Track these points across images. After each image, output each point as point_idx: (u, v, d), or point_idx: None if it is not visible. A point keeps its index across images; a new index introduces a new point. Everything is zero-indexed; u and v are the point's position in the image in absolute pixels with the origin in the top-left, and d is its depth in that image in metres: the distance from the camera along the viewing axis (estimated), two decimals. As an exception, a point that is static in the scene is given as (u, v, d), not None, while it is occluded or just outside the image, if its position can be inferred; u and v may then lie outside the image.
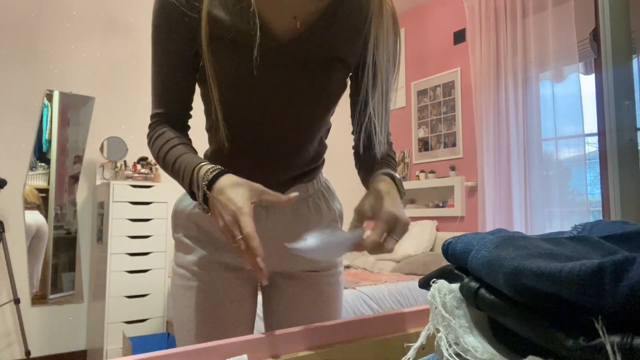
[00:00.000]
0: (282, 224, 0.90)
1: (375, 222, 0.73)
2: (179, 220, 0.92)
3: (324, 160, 0.97)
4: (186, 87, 0.83)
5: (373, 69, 0.81)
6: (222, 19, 0.76)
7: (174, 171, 0.77)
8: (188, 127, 0.87)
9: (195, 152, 0.80)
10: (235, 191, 0.66)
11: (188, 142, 0.82)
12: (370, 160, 0.89)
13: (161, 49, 0.80)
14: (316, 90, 0.81)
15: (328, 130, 0.95)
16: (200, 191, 0.69)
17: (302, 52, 0.79)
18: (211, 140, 0.92)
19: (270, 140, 0.85)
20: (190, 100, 0.85)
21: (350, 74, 0.88)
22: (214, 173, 0.69)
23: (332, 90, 0.83)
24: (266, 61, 0.77)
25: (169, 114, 0.84)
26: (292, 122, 0.84)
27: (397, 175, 0.81)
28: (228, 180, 0.68)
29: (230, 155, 0.86)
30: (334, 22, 0.79)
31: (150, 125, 0.85)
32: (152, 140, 0.83)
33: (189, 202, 0.90)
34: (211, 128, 0.89)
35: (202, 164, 0.72)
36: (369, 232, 0.71)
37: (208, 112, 0.87)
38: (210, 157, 0.91)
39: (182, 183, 0.75)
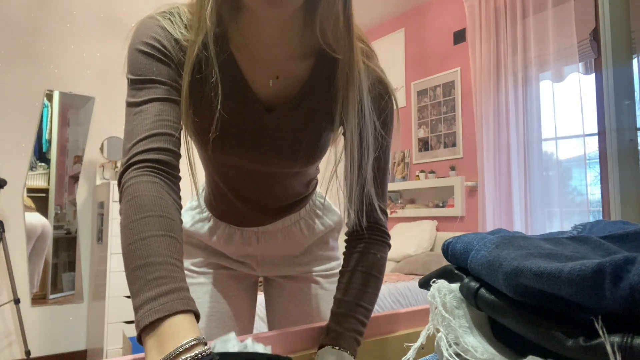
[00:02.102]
0: (273, 247, 0.92)
1: None
2: None
3: (315, 185, 0.95)
4: (177, 117, 0.65)
5: (338, 129, 0.75)
6: (206, 86, 0.69)
7: (138, 276, 0.50)
8: (179, 177, 0.63)
9: (180, 254, 0.55)
10: None
11: (176, 230, 0.56)
12: (353, 254, 0.76)
13: (144, 80, 0.64)
14: (300, 151, 0.77)
15: (317, 168, 0.93)
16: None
17: (288, 114, 0.74)
18: (207, 182, 0.91)
19: (263, 188, 0.83)
20: (180, 135, 0.66)
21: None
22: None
23: (319, 148, 0.78)
24: (256, 121, 0.74)
25: (158, 151, 0.60)
26: (284, 174, 0.82)
27: (352, 344, 0.67)
28: None
29: (224, 198, 0.86)
30: (319, 85, 0.74)
31: (124, 171, 0.60)
32: (124, 201, 0.58)
33: (187, 220, 0.92)
34: (206, 175, 0.89)
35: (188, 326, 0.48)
36: None
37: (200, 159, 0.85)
38: (207, 194, 0.92)
39: (137, 298, 0.49)
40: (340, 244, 0.92)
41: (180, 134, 0.64)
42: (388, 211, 0.84)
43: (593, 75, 3.05)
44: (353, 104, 0.70)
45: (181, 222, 0.59)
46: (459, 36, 3.90)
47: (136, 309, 0.48)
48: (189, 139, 0.75)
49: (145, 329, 0.46)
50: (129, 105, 0.64)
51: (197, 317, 0.49)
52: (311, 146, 0.76)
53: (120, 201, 0.59)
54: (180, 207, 0.62)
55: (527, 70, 3.30)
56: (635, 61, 2.38)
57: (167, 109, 0.63)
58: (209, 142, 0.71)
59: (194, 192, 0.89)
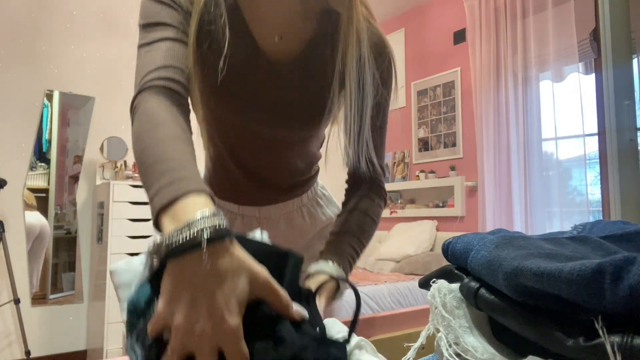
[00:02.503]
0: (275, 235, 0.91)
1: None
2: None
3: (317, 171, 0.97)
4: (184, 55, 0.67)
5: (340, 80, 0.77)
6: (213, 35, 0.73)
7: (154, 170, 0.51)
8: (188, 108, 0.67)
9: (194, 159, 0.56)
10: (235, 282, 0.40)
11: (189, 136, 0.58)
12: (351, 200, 0.81)
13: (153, 22, 0.68)
14: (308, 107, 0.79)
15: (321, 143, 0.94)
16: (182, 235, 0.40)
17: (295, 71, 0.77)
18: (207, 155, 0.91)
19: (265, 156, 0.84)
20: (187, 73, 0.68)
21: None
22: (217, 228, 0.41)
23: (322, 107, 0.79)
24: (257, 80, 0.76)
25: (166, 80, 0.62)
26: (288, 139, 0.83)
27: (342, 271, 0.70)
28: (232, 253, 0.41)
29: (225, 169, 0.86)
30: (324, 43, 0.77)
31: (136, 97, 0.62)
32: (136, 119, 0.59)
33: None
34: (206, 145, 0.88)
35: (201, 195, 0.47)
36: None
37: (203, 128, 0.86)
38: (206, 173, 0.92)
39: (152, 189, 0.50)
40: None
41: (188, 73, 0.66)
42: (387, 172, 0.85)
43: (593, 75, 3.05)
44: (351, 56, 0.73)
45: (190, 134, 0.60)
46: (459, 36, 3.90)
47: (151, 199, 0.48)
48: (195, 100, 0.76)
49: (161, 212, 0.46)
50: (140, 46, 0.67)
51: (213, 199, 0.48)
52: (314, 105, 0.78)
53: (132, 122, 0.60)
54: (191, 131, 0.61)
55: (527, 70, 3.30)
56: (635, 61, 2.38)
57: (176, 47, 0.66)
58: (215, 93, 0.74)
59: None
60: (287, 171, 0.88)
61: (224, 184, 0.88)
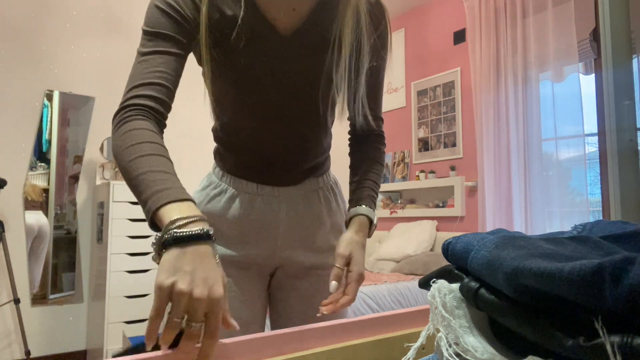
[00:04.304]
0: (294, 213, 0.92)
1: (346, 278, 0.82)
2: None
3: (329, 157, 1.01)
4: (176, 70, 0.73)
5: (338, 46, 0.83)
6: (223, 14, 0.77)
7: (139, 180, 0.60)
8: (165, 125, 0.73)
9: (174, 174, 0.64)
10: (221, 269, 0.54)
11: (166, 151, 0.66)
12: (357, 151, 0.98)
13: (154, 32, 0.73)
14: (322, 74, 0.84)
15: (332, 121, 0.98)
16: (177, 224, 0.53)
17: (304, 41, 0.82)
18: (221, 139, 0.93)
19: (285, 128, 0.87)
20: (176, 87, 0.74)
21: None
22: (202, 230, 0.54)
23: (334, 70, 0.85)
24: (272, 53, 0.80)
25: (151, 98, 0.69)
26: (303, 109, 0.86)
27: (370, 209, 0.89)
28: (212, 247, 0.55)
29: (247, 149, 0.89)
30: (326, 9, 0.82)
31: (121, 110, 0.69)
32: (120, 132, 0.66)
33: (201, 200, 0.91)
34: (223, 126, 0.90)
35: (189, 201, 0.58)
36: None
37: (221, 112, 0.88)
38: (224, 153, 0.93)
39: (142, 195, 0.59)
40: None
41: (175, 87, 0.73)
42: (383, 126, 1.00)
43: (593, 75, 3.05)
44: (348, 22, 0.80)
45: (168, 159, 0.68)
46: (459, 36, 3.90)
47: (143, 208, 0.58)
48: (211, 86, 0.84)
49: (151, 221, 0.57)
50: (138, 53, 0.73)
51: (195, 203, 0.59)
52: (317, 68, 0.83)
53: (112, 135, 0.68)
54: (166, 149, 0.68)
55: (527, 70, 3.30)
56: (635, 61, 2.38)
57: (167, 62, 0.71)
58: (232, 70, 0.79)
59: (204, 175, 0.95)
60: (305, 150, 0.91)
61: (245, 162, 0.91)
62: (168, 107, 0.72)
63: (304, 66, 0.83)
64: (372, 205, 0.89)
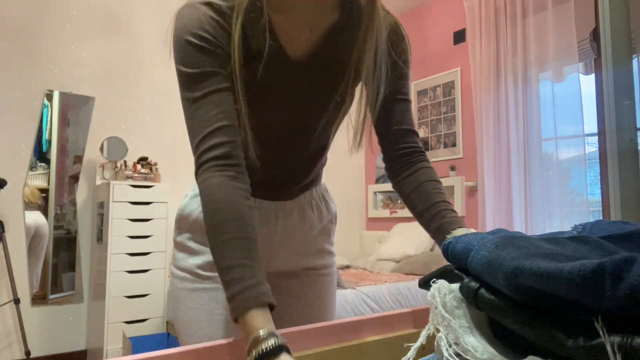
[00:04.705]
0: (290, 226, 0.93)
1: None
2: (184, 224, 0.92)
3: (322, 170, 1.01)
4: (231, 103, 0.70)
5: (356, 71, 0.80)
6: (247, 42, 0.75)
7: (225, 273, 0.62)
8: (244, 168, 0.70)
9: (256, 249, 0.64)
10: None
11: (247, 226, 0.65)
12: (406, 177, 0.84)
13: (198, 73, 0.69)
14: (336, 98, 0.82)
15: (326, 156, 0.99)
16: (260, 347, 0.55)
17: (319, 65, 0.79)
18: None
19: (294, 152, 0.87)
20: (237, 119, 0.71)
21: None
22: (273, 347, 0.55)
23: (348, 96, 0.84)
24: (286, 78, 0.78)
25: (220, 147, 0.67)
26: (313, 132, 0.86)
27: (468, 229, 0.75)
28: None
29: (251, 170, 0.88)
30: (344, 32, 0.79)
31: (197, 170, 0.68)
32: (203, 203, 0.67)
33: (196, 207, 0.91)
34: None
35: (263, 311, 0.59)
36: None
37: None
38: None
39: (226, 292, 0.62)
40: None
41: (237, 118, 0.70)
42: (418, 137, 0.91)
43: (593, 75, 3.05)
44: (370, 47, 0.76)
45: (250, 208, 0.67)
46: (459, 36, 3.90)
47: (228, 300, 0.61)
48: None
49: (239, 317, 0.59)
50: (188, 100, 0.70)
51: (272, 306, 0.60)
52: (331, 91, 0.81)
53: (199, 193, 0.68)
54: (249, 192, 0.68)
55: (527, 70, 3.30)
56: (635, 61, 2.38)
57: (222, 100, 0.69)
58: (245, 94, 0.75)
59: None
60: (308, 168, 0.91)
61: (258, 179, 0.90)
62: (238, 146, 0.70)
63: (318, 91, 0.81)
64: (464, 225, 0.78)
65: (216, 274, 0.89)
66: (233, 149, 0.68)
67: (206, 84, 0.69)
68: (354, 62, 0.79)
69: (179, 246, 0.93)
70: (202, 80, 0.69)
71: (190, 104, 0.69)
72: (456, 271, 0.44)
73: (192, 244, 0.91)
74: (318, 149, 0.90)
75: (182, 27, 0.70)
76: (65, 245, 3.29)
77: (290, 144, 0.85)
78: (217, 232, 0.63)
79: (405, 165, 0.85)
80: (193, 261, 0.90)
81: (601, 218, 2.51)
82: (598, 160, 3.00)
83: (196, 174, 0.69)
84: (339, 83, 0.81)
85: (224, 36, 0.71)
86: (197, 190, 0.94)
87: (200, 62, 0.69)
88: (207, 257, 0.89)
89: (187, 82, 0.70)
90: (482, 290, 0.38)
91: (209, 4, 0.71)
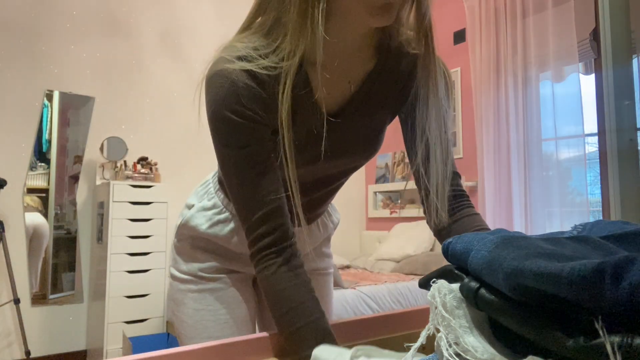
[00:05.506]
0: (300, 244, 0.93)
1: None
2: (187, 232, 0.92)
3: None
4: (279, 177, 0.68)
5: (426, 112, 0.74)
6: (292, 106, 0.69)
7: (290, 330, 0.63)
8: (295, 241, 0.70)
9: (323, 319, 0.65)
10: None
11: (313, 307, 0.65)
12: (452, 223, 0.76)
13: (241, 155, 0.66)
14: (371, 145, 0.81)
15: None
16: None
17: (357, 115, 0.76)
18: None
19: (320, 191, 0.87)
20: (283, 193, 0.69)
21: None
22: None
23: (381, 139, 0.83)
24: (324, 132, 0.73)
25: (273, 231, 0.67)
26: (345, 176, 0.87)
27: None
28: None
29: None
30: (379, 81, 0.76)
31: (253, 257, 0.69)
32: (263, 287, 0.68)
33: (203, 222, 0.89)
34: None
35: None
36: None
37: None
38: None
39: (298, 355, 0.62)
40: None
41: (283, 193, 0.68)
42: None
43: (593, 75, 3.05)
44: (434, 95, 0.71)
45: (308, 283, 0.67)
46: (459, 36, 3.90)
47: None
48: None
49: None
50: (231, 176, 0.67)
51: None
52: (374, 139, 0.80)
53: (258, 280, 0.68)
54: (302, 264, 0.68)
55: (527, 70, 3.30)
56: (635, 61, 2.38)
57: (268, 180, 0.67)
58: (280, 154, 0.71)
59: (203, 191, 0.92)
60: (328, 201, 0.93)
61: None
62: (288, 223, 0.69)
63: (355, 144, 0.78)
64: None
65: (220, 276, 0.89)
66: (284, 231, 0.68)
67: (252, 163, 0.66)
68: (389, 110, 0.78)
69: (180, 250, 0.93)
70: (247, 160, 0.66)
71: (238, 187, 0.67)
72: (456, 271, 0.44)
73: (193, 250, 0.91)
74: (341, 184, 0.91)
75: (219, 100, 0.65)
76: (65, 245, 3.29)
77: (322, 187, 0.86)
78: (287, 322, 0.63)
79: (450, 211, 0.76)
80: (196, 264, 0.90)
81: (601, 218, 2.51)
82: (598, 160, 3.00)
83: (251, 255, 0.69)
84: (377, 134, 0.79)
85: (265, 109, 0.67)
86: (204, 203, 0.92)
87: (243, 141, 0.66)
88: (211, 263, 0.89)
89: (230, 161, 0.67)
90: (482, 290, 0.38)
91: (247, 72, 0.65)
